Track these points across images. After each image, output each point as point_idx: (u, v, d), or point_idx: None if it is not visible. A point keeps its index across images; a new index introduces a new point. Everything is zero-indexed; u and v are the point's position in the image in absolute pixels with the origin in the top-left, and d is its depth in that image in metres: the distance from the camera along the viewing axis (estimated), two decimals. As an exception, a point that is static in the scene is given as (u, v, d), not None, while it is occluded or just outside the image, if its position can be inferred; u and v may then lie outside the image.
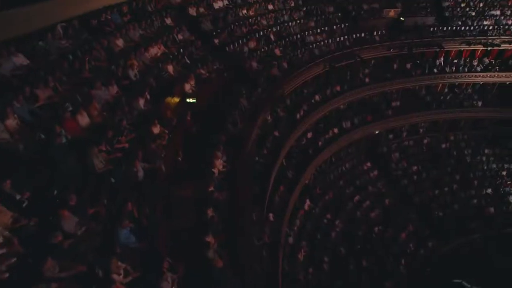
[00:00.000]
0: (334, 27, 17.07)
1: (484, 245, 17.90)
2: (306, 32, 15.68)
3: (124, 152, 6.32)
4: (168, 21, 11.01)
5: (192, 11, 12.09)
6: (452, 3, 20.32)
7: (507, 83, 21.39)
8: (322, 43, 16.10)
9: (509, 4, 20.73)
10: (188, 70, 9.93)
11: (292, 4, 16.11)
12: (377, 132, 20.53)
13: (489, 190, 20.29)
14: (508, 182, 20.75)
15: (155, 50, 9.43)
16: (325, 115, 17.33)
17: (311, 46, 15.61)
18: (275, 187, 12.58)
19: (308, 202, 16.13)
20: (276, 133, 13.66)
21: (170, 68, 9.24)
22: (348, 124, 19.05)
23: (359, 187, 18.98)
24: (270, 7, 15.01)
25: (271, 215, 11.72)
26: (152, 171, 6.40)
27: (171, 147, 7.39)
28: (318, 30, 16.31)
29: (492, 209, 19.40)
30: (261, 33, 13.66)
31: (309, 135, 17.33)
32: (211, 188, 6.92)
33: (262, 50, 13.28)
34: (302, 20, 15.72)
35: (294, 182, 14.46)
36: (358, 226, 16.97)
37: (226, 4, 13.55)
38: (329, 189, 17.73)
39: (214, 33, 12.07)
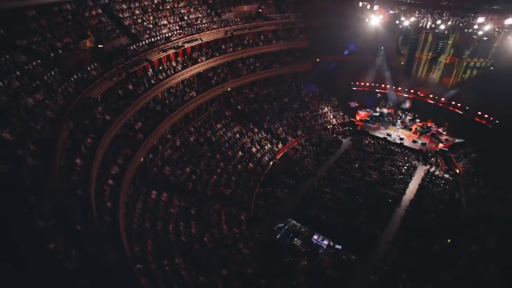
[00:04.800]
0: (45, 77, 14.82)
1: (272, 190, 23.84)
2: (20, 97, 12.72)
3: None
4: None
5: None
6: (130, 21, 22.59)
7: (201, 71, 27.62)
8: (47, 101, 13.76)
9: (168, 14, 25.84)
10: None
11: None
12: (142, 159, 20.93)
13: (240, 153, 26.55)
14: (244, 140, 27.94)
15: None
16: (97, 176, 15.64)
17: (38, 111, 13.02)
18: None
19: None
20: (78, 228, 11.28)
21: None
22: (116, 169, 18.25)
23: (164, 217, 19.26)
24: None
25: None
26: None
27: None
28: (31, 88, 13.63)
29: (251, 164, 25.80)
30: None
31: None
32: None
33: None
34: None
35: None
36: (193, 250, 17.68)
37: None
38: (145, 238, 17.00)
39: None
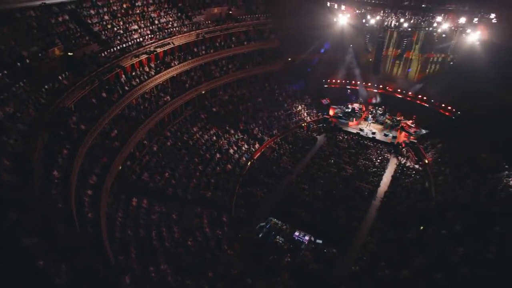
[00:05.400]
0: (13, 88, 14.39)
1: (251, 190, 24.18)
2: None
3: None
4: None
5: None
6: (100, 27, 22.16)
7: (175, 75, 27.56)
8: (18, 113, 13.42)
9: (138, 19, 25.53)
10: None
11: None
12: (120, 167, 20.70)
13: (218, 155, 26.72)
14: (221, 142, 28.13)
15: None
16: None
17: (10, 124, 12.71)
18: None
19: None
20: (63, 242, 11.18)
21: None
22: (94, 178, 18.02)
23: (145, 224, 19.19)
24: None
25: None
26: None
27: None
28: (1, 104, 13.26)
29: (229, 166, 26.05)
30: None
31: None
32: None
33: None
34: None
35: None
36: (177, 254, 17.77)
37: None
38: (128, 246, 16.93)
39: None
